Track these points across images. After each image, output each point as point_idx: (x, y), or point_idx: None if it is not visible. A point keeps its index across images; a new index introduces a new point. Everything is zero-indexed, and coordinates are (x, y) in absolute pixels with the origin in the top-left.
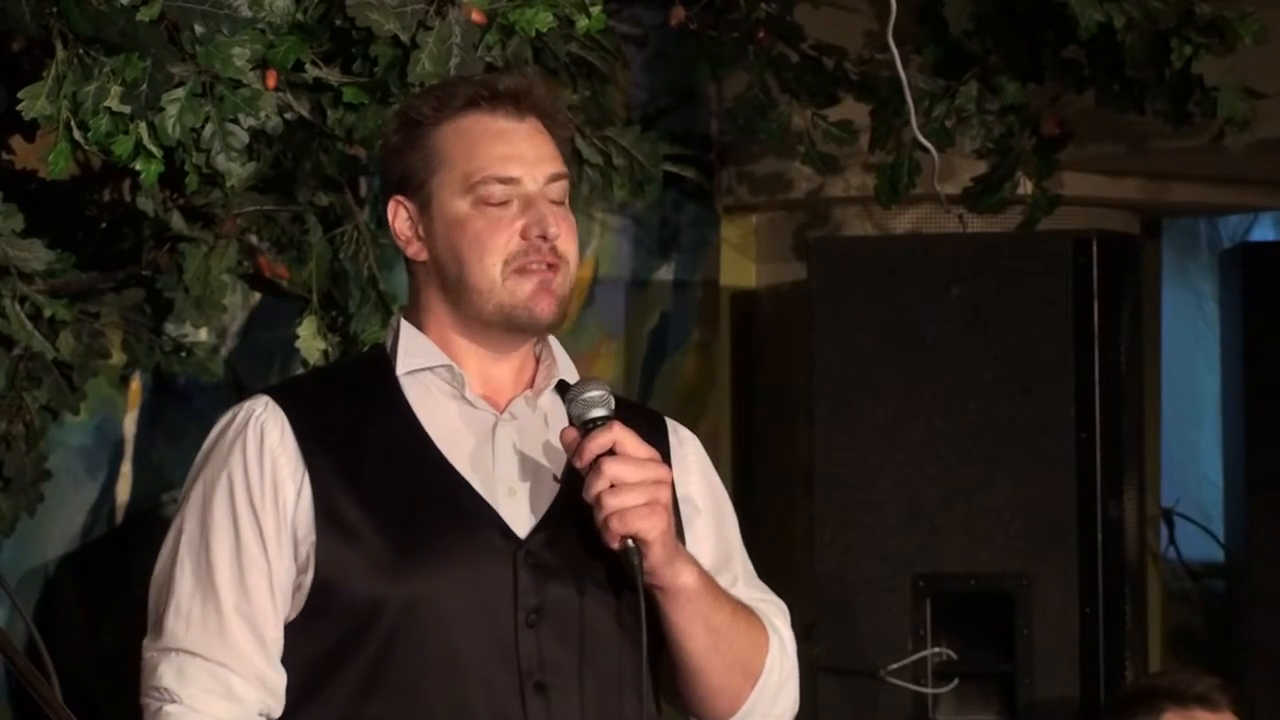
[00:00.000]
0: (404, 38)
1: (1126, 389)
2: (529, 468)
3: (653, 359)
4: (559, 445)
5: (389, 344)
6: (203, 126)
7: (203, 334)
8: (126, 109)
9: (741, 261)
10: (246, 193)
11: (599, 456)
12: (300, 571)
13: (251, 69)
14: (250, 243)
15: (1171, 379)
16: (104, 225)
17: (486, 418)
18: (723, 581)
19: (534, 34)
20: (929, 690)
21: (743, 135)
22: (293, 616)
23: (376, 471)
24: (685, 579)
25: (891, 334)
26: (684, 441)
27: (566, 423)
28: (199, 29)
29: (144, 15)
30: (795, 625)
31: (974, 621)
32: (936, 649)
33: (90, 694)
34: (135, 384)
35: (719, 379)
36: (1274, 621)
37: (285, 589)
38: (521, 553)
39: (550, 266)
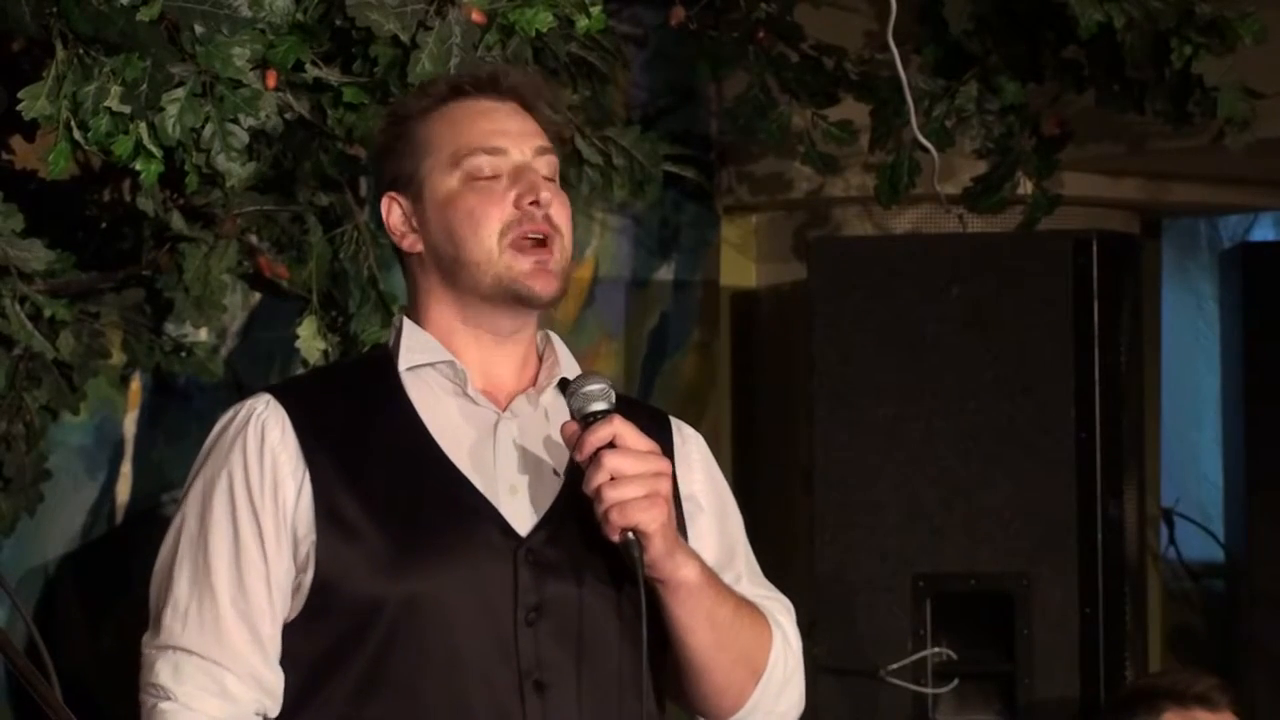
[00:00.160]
0: (404, 38)
1: (1126, 389)
2: (530, 465)
3: (653, 359)
4: (561, 443)
5: (391, 342)
6: (203, 126)
7: (203, 334)
8: (126, 109)
9: (741, 261)
10: (246, 193)
11: (599, 449)
12: (300, 571)
13: (251, 69)
14: (250, 243)
15: (1171, 379)
16: (104, 225)
17: (488, 415)
18: (726, 579)
19: (534, 34)
20: (929, 690)
21: (743, 135)
22: (292, 616)
23: (377, 470)
24: (686, 572)
25: (891, 334)
26: (688, 439)
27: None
28: (199, 29)
29: (144, 15)
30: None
31: (974, 621)
32: (936, 649)
33: (90, 694)
34: (135, 384)
35: (719, 379)
36: (1274, 621)
37: (284, 588)
38: (522, 550)
39: (545, 239)
